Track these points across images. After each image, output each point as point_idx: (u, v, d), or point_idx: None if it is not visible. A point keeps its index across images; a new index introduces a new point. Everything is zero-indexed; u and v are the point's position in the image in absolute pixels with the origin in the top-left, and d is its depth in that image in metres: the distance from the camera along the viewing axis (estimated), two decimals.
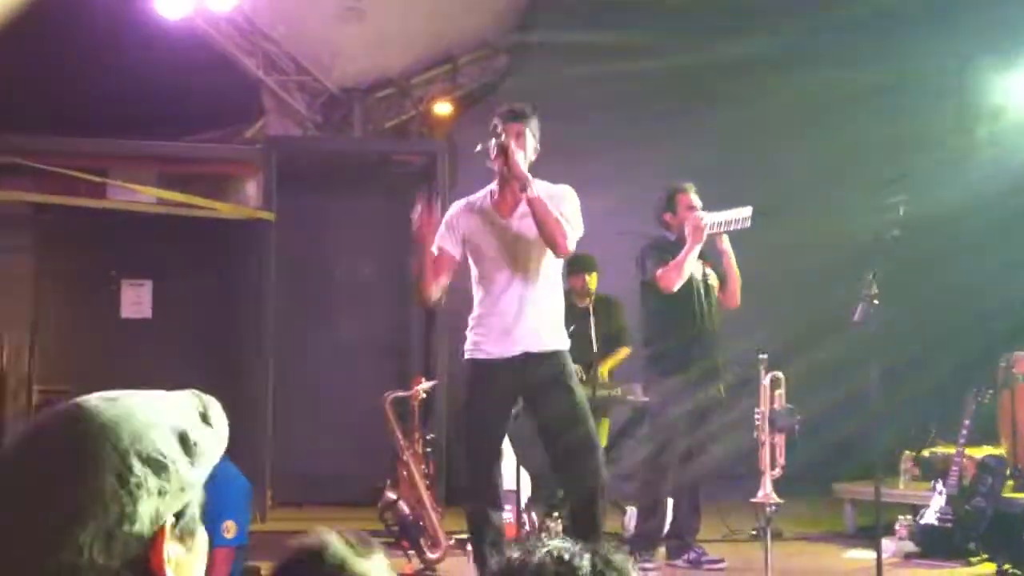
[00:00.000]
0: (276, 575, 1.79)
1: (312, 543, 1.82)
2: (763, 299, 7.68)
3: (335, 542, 1.79)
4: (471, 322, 4.84)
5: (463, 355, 4.86)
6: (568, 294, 6.52)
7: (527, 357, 4.68)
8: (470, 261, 4.84)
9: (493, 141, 4.72)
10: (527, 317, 4.72)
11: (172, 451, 1.17)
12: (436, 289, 4.86)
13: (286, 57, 8.91)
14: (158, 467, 1.15)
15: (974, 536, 6.23)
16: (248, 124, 9.10)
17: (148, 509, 1.13)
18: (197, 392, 1.29)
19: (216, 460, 1.25)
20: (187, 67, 7.95)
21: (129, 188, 7.79)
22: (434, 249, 4.81)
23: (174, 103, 8.12)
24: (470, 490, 4.86)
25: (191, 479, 1.18)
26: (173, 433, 1.19)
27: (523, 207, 4.73)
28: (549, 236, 4.64)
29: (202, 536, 1.24)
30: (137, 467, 1.14)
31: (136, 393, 1.23)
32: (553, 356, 4.73)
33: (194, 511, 1.21)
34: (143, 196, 7.87)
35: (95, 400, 1.20)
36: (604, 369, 6.87)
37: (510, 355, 4.69)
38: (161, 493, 1.14)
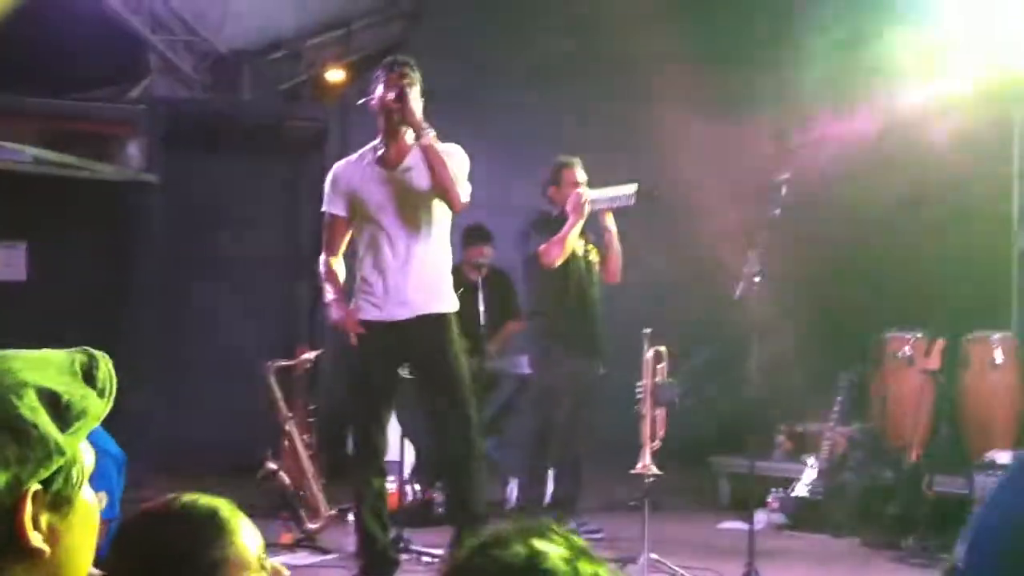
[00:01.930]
0: (120, 531, 1.75)
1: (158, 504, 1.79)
2: (648, 275, 7.83)
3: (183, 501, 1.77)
4: (358, 280, 4.77)
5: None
6: (459, 266, 6.53)
7: (415, 320, 4.65)
8: (356, 219, 4.77)
9: (382, 87, 4.65)
10: (416, 277, 4.68)
11: (36, 415, 1.12)
12: (339, 262, 4.79)
13: (173, 16, 8.69)
14: (17, 433, 1.11)
15: (843, 509, 6.44)
16: (133, 84, 8.85)
17: (3, 478, 1.09)
18: (86, 349, 1.24)
19: (99, 420, 1.20)
20: (70, 23, 7.69)
21: (6, 146, 7.53)
22: (325, 216, 4.74)
23: (56, 60, 7.85)
24: (355, 455, 4.84)
25: (61, 444, 1.13)
26: (41, 396, 1.14)
27: (410, 160, 4.68)
28: (443, 186, 4.59)
29: (87, 501, 1.20)
30: None
31: (11, 352, 1.18)
32: (441, 319, 4.71)
33: (71, 477, 1.17)
34: (20, 155, 7.62)
35: None
36: (493, 346, 6.90)
37: (399, 318, 4.65)
38: (21, 461, 1.10)
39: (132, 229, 8.03)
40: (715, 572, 5.28)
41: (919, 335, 6.79)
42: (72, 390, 1.17)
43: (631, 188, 5.93)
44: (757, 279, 5.18)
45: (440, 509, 6.45)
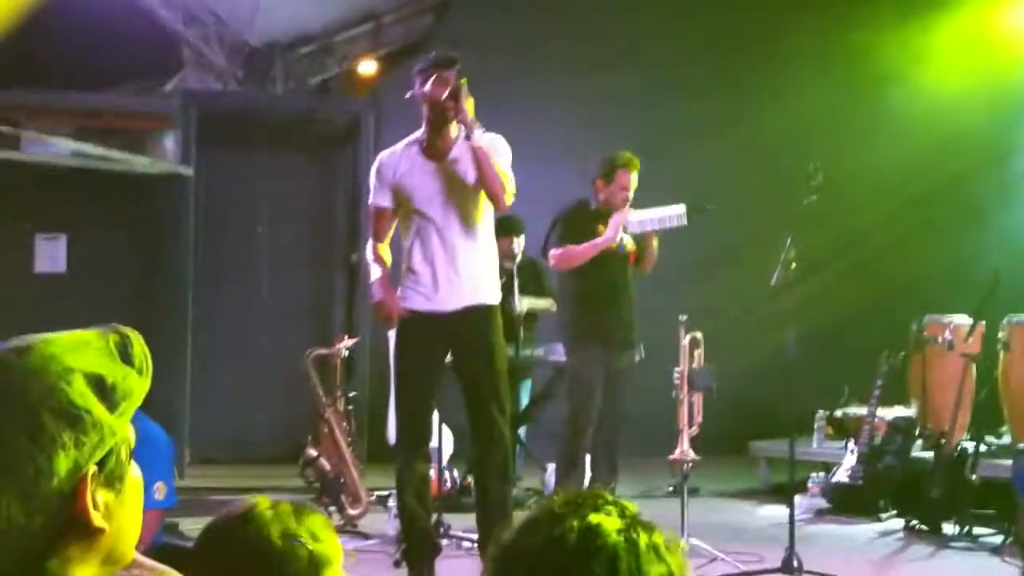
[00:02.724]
0: (202, 539, 1.78)
1: (238, 508, 1.82)
2: (686, 263, 7.81)
3: (263, 507, 1.80)
4: (404, 271, 4.75)
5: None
6: None
7: (462, 311, 4.64)
8: (402, 210, 4.71)
9: (431, 82, 4.59)
10: (463, 268, 4.65)
11: (87, 400, 1.14)
12: (386, 248, 4.73)
13: (206, 9, 8.74)
14: (72, 420, 1.13)
15: (884, 493, 6.41)
16: (167, 78, 8.91)
17: (65, 463, 1.12)
18: (116, 326, 1.25)
19: (142, 397, 1.22)
20: (105, 19, 7.75)
21: (45, 140, 7.60)
22: (370, 208, 4.72)
23: (91, 55, 7.92)
24: (400, 442, 4.84)
25: (111, 425, 1.16)
26: (89, 380, 1.16)
27: (456, 152, 4.66)
28: (491, 187, 4.57)
29: (135, 477, 1.22)
30: (49, 423, 1.12)
31: (50, 338, 1.19)
32: (487, 311, 4.70)
33: (121, 455, 1.19)
34: (59, 149, 7.69)
35: (5, 353, 1.17)
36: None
37: (447, 309, 4.64)
38: (78, 445, 1.13)
39: (168, 221, 8.09)
40: (755, 556, 5.26)
41: (959, 319, 6.74)
42: (115, 372, 1.19)
43: (680, 208, 5.74)
44: (794, 265, 5.15)
45: None
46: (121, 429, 1.18)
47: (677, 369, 5.50)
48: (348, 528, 5.73)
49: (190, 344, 7.89)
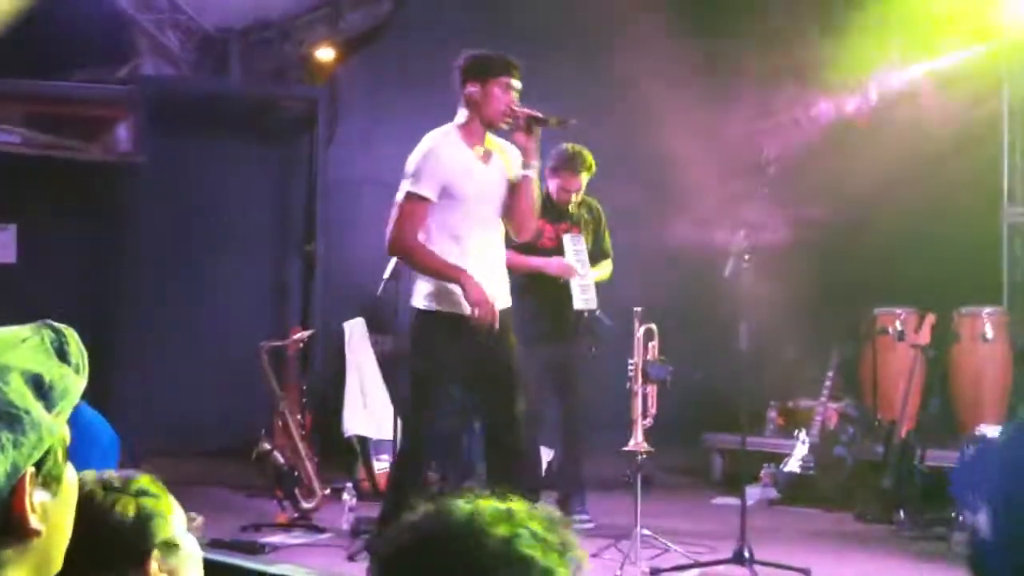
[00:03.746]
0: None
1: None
2: (640, 255, 7.83)
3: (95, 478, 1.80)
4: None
5: (422, 304, 4.65)
6: None
7: (501, 313, 4.58)
8: (444, 206, 4.60)
9: (507, 89, 4.62)
10: (498, 270, 4.67)
11: (25, 400, 1.12)
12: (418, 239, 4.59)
13: None
14: (10, 420, 1.10)
15: (835, 483, 6.49)
16: (121, 64, 8.80)
17: (3, 465, 1.09)
18: (50, 323, 1.21)
19: (78, 397, 1.19)
20: (57, 3, 7.64)
21: None
22: (410, 196, 4.57)
23: (43, 41, 7.80)
24: (417, 445, 4.77)
25: (49, 425, 1.13)
26: (27, 379, 1.13)
27: (496, 157, 4.70)
28: (527, 217, 4.65)
29: (71, 478, 1.21)
30: None
31: None
32: (509, 313, 4.70)
33: (58, 456, 1.17)
34: (8, 136, 7.58)
35: None
36: None
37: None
38: (17, 446, 1.10)
39: (121, 210, 8.00)
40: (708, 547, 5.31)
41: (909, 310, 6.82)
42: (52, 370, 1.16)
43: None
44: (746, 257, 5.18)
45: (437, 489, 6.48)
46: (59, 429, 1.16)
47: (631, 361, 5.53)
48: (302, 522, 5.72)
49: (145, 334, 7.82)
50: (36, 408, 1.13)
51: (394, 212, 4.66)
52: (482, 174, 4.66)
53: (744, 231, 5.21)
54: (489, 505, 1.27)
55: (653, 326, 5.55)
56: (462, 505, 1.28)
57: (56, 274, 7.82)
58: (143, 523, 1.77)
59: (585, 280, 5.84)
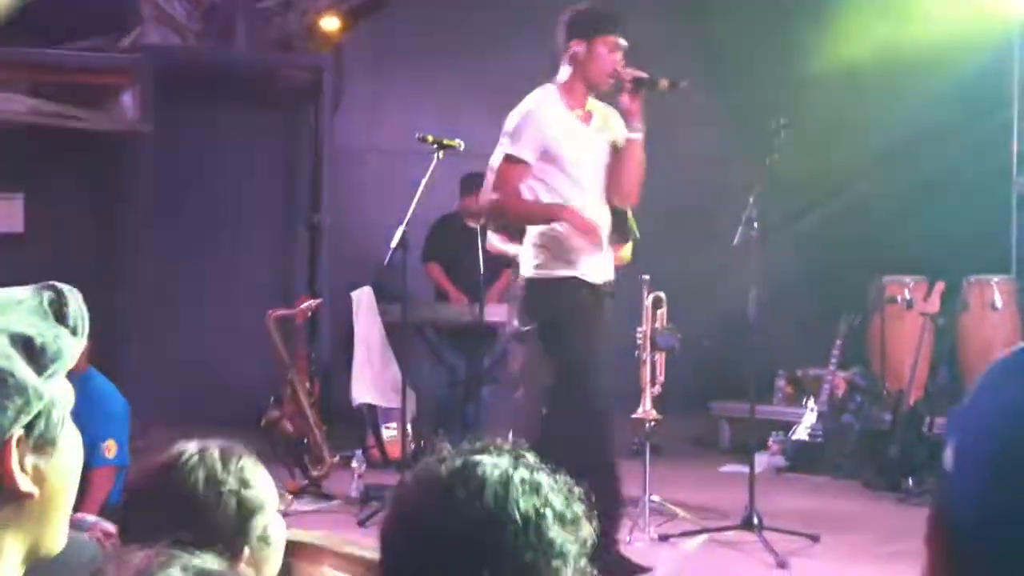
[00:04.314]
0: (129, 490, 1.76)
1: (163, 457, 1.79)
2: (648, 223, 7.80)
3: (188, 454, 1.77)
4: (540, 237, 4.36)
5: (532, 272, 4.39)
6: (456, 215, 6.51)
7: (602, 284, 4.40)
8: (541, 169, 4.37)
9: (615, 50, 4.34)
10: (604, 239, 4.41)
11: (11, 362, 1.10)
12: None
13: None
14: None
15: (843, 451, 6.50)
16: (125, 33, 8.76)
17: None
18: (52, 284, 1.20)
19: (75, 358, 1.18)
20: None
21: (0, 97, 7.46)
22: (507, 158, 4.30)
23: (47, 9, 7.76)
24: (592, 448, 4.23)
25: (38, 388, 1.12)
26: (14, 341, 1.12)
27: (597, 119, 4.46)
28: (633, 182, 4.40)
29: (69, 443, 1.19)
30: None
31: None
32: (611, 288, 4.50)
33: (52, 418, 1.15)
34: (14, 106, 7.56)
35: None
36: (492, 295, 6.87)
37: (592, 280, 4.36)
38: (1, 410, 1.09)
39: (126, 179, 7.99)
40: (716, 514, 5.32)
41: (918, 279, 6.81)
42: (44, 332, 1.14)
43: None
44: (756, 225, 5.16)
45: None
46: (50, 392, 1.14)
47: (640, 329, 5.52)
48: (311, 489, 5.73)
49: (152, 303, 7.81)
50: (22, 371, 1.11)
51: (489, 176, 4.40)
52: (584, 137, 4.41)
53: (754, 199, 5.18)
54: (518, 474, 1.26)
55: (661, 294, 5.55)
56: (491, 465, 1.27)
57: (63, 243, 7.82)
58: (244, 521, 1.74)
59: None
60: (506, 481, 1.25)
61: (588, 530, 1.30)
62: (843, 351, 6.76)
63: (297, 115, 8.76)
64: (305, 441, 5.81)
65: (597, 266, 4.38)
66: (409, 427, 6.25)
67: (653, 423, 5.35)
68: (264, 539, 1.75)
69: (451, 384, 6.94)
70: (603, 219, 4.43)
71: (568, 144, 4.36)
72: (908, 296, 6.78)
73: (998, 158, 7.16)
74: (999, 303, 6.65)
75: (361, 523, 5.12)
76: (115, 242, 8.00)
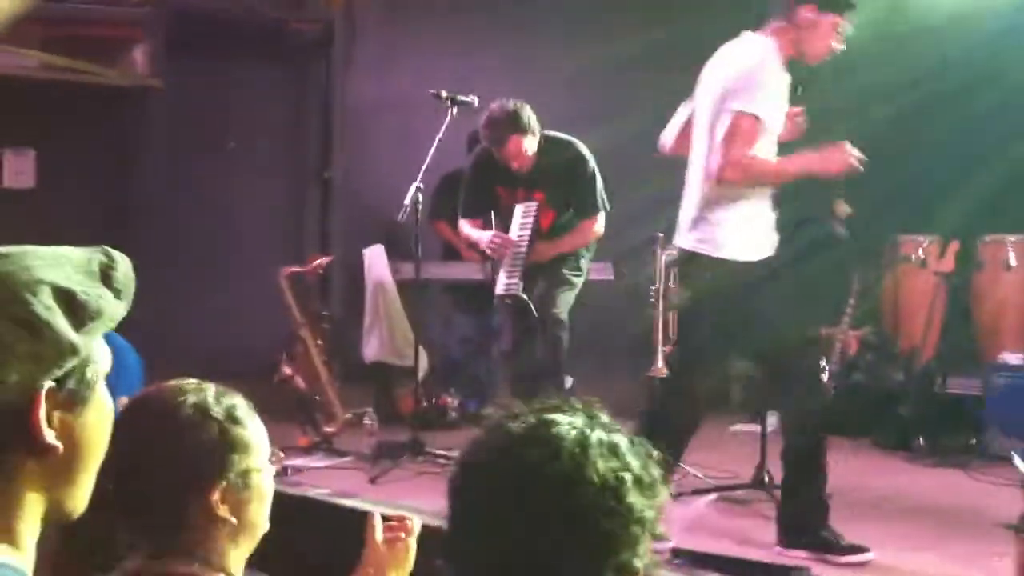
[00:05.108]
0: (123, 409, 1.79)
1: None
2: (663, 181, 7.75)
3: (185, 382, 1.81)
4: (734, 214, 4.11)
5: (738, 255, 4.09)
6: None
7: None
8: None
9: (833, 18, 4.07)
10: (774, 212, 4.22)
11: (52, 313, 1.12)
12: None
13: None
14: (31, 331, 1.10)
15: (854, 410, 6.49)
16: None
17: (17, 374, 1.09)
18: (106, 249, 1.23)
19: (116, 321, 1.20)
20: None
21: (10, 51, 7.43)
22: (751, 116, 3.95)
23: None
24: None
25: (74, 343, 1.13)
26: (57, 294, 1.13)
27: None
28: None
29: (99, 401, 1.20)
30: (6, 331, 1.09)
31: (31, 249, 1.17)
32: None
33: (85, 375, 1.16)
34: (25, 60, 7.53)
35: None
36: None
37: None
38: (34, 359, 1.10)
39: (138, 134, 7.98)
40: (727, 472, 5.33)
41: (932, 237, 6.77)
42: (88, 289, 1.16)
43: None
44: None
45: (453, 414, 6.53)
46: (86, 348, 1.15)
47: (652, 287, 5.51)
48: (324, 446, 5.76)
49: (163, 259, 7.82)
50: (61, 324, 1.12)
51: (722, 133, 4.00)
52: (785, 104, 4.15)
53: None
54: (595, 435, 1.22)
55: (675, 251, 5.52)
56: (568, 425, 1.23)
57: (74, 199, 7.83)
58: (223, 451, 1.76)
59: (515, 262, 5.37)
60: (583, 442, 1.21)
61: (664, 494, 1.26)
62: (855, 309, 6.72)
63: (309, 70, 8.73)
64: (317, 397, 5.83)
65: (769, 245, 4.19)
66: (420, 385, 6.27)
67: None
68: (244, 479, 1.76)
69: (461, 342, 6.95)
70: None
71: (780, 110, 4.11)
72: (922, 255, 6.74)
73: (1016, 116, 7.08)
74: (1014, 262, 6.60)
75: (372, 480, 5.15)
76: (126, 197, 8.00)
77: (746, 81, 4.02)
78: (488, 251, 5.45)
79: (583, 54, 8.07)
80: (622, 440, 1.25)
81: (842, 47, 4.18)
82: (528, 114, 5.38)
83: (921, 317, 6.47)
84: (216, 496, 1.72)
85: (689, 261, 4.34)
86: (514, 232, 5.43)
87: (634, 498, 1.21)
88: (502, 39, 7.86)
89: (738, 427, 6.67)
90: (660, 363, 5.37)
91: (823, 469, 4.14)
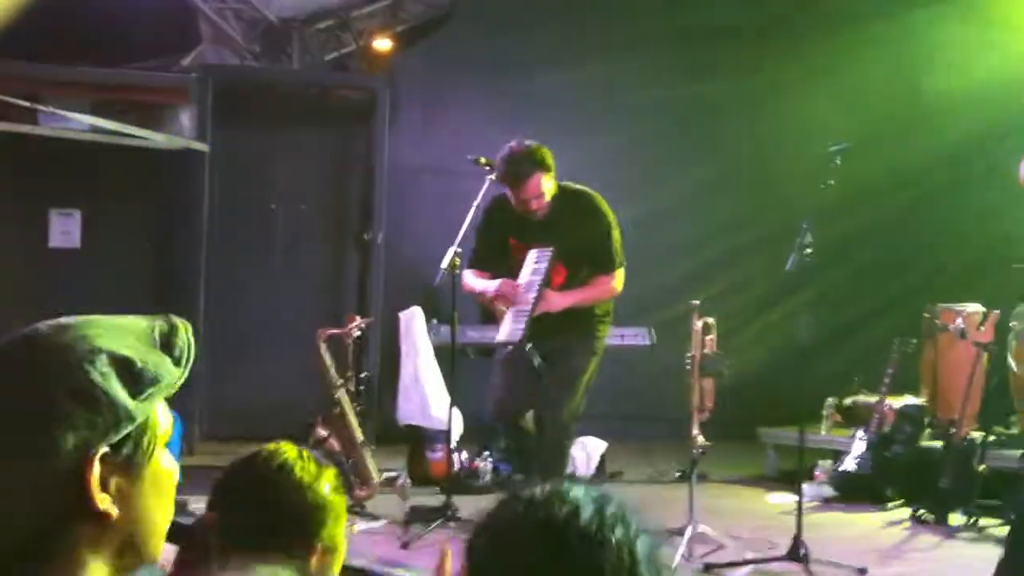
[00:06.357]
0: (225, 473, 1.85)
1: (264, 447, 1.89)
2: (700, 246, 7.78)
3: (285, 450, 1.87)
4: None
5: None
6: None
7: None
8: None
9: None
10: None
11: (107, 381, 1.13)
12: None
13: None
14: (87, 400, 1.12)
15: (891, 482, 6.41)
16: (185, 53, 8.91)
17: (73, 441, 1.11)
18: (168, 316, 1.25)
19: (174, 387, 1.21)
20: None
21: (61, 115, 7.61)
22: None
23: (110, 29, 7.92)
24: None
25: (131, 409, 1.15)
26: (114, 362, 1.15)
27: None
28: None
29: (160, 466, 1.21)
30: (63, 400, 1.11)
31: (93, 319, 1.19)
32: None
33: (143, 442, 1.17)
34: (76, 123, 7.70)
35: (43, 327, 1.17)
36: None
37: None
38: (89, 426, 1.12)
39: (183, 197, 8.10)
40: (763, 544, 5.27)
41: (972, 307, 6.72)
42: (146, 356, 1.18)
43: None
44: (809, 251, 5.12)
45: (486, 478, 6.51)
46: (143, 415, 1.17)
47: (689, 354, 5.50)
48: (356, 510, 5.76)
49: (202, 321, 7.91)
50: (116, 390, 1.14)
51: None
52: None
53: (807, 224, 5.15)
54: (610, 513, 1.24)
55: (711, 320, 5.52)
56: (584, 495, 1.26)
57: (119, 260, 7.94)
58: (327, 512, 1.82)
59: (523, 308, 5.08)
60: (600, 508, 1.25)
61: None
62: (894, 379, 6.67)
63: (351, 134, 8.85)
64: (351, 461, 5.84)
65: None
66: (455, 448, 6.27)
67: (702, 450, 5.31)
68: (335, 541, 1.88)
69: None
70: None
71: None
72: (961, 324, 6.68)
73: None
74: None
75: (404, 545, 5.14)
76: (169, 259, 8.11)
77: None
78: (495, 302, 5.19)
79: (622, 125, 8.17)
80: (632, 515, 1.28)
81: None
82: (548, 153, 5.20)
83: (960, 388, 6.40)
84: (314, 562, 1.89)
85: None
86: (525, 276, 5.15)
87: (644, 568, 1.24)
88: (538, 105, 7.95)
89: (774, 497, 6.60)
90: (696, 431, 5.35)
91: None
